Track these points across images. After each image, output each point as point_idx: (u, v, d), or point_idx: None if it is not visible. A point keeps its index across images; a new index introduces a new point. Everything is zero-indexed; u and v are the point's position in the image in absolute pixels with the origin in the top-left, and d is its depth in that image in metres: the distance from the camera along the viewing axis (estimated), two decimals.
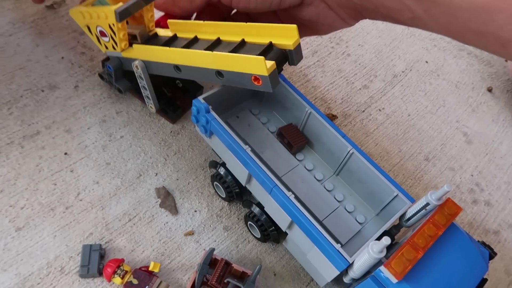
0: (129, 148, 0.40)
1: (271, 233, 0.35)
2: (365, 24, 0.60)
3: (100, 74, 0.42)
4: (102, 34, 0.36)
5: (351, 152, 0.34)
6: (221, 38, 0.33)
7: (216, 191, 0.39)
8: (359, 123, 0.49)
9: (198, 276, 0.32)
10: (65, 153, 0.39)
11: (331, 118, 0.48)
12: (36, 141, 0.39)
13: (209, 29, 0.34)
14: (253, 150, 0.32)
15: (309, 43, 0.55)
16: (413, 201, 0.32)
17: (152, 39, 0.37)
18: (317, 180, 0.36)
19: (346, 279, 0.29)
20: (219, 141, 0.33)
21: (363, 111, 0.50)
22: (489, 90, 0.58)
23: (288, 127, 0.38)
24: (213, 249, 0.33)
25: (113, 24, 0.34)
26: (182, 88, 0.43)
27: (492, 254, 0.29)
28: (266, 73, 0.28)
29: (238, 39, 0.32)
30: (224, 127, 0.32)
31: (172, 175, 0.40)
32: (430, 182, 0.46)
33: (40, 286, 0.32)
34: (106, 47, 0.37)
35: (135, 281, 0.32)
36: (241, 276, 0.33)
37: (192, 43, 0.34)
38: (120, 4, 0.33)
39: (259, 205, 0.35)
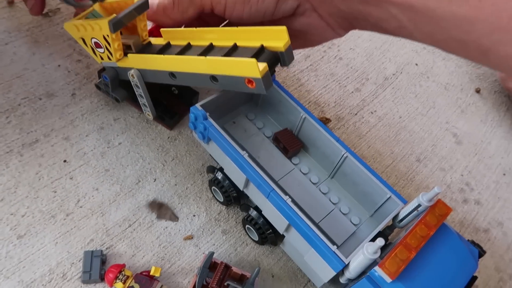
0: (127, 155, 0.41)
1: (268, 235, 0.36)
2: None
3: (96, 84, 0.43)
4: (97, 45, 0.36)
5: (345, 156, 0.35)
6: (213, 43, 0.34)
7: (214, 196, 0.40)
8: (352, 126, 0.50)
9: (199, 279, 0.32)
10: (64, 161, 0.39)
11: (325, 121, 0.49)
12: (35, 149, 0.39)
13: (202, 35, 0.34)
14: (250, 156, 0.33)
15: None
16: (405, 202, 0.33)
17: (146, 48, 0.37)
18: (313, 183, 0.37)
19: (342, 280, 0.31)
20: (217, 147, 0.34)
21: (356, 114, 0.52)
22: (477, 91, 0.60)
23: (284, 132, 0.39)
24: (212, 253, 0.34)
25: (108, 35, 0.34)
26: (178, 94, 0.44)
27: (481, 253, 0.30)
28: (259, 75, 0.28)
29: (230, 43, 0.32)
30: (222, 134, 0.33)
31: (171, 180, 0.40)
32: (422, 183, 0.47)
33: None
34: (102, 58, 0.38)
35: (136, 286, 0.33)
36: (240, 279, 0.34)
37: (185, 49, 0.34)
38: (114, 15, 0.33)
39: (257, 208, 0.36)
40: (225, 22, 0.39)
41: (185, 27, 0.39)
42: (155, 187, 0.40)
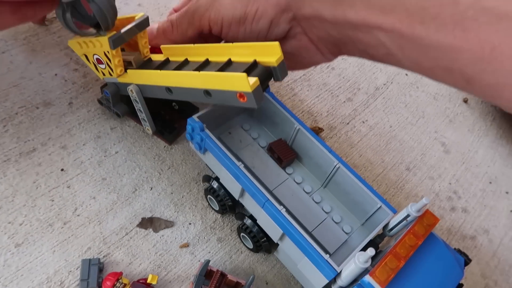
0: (124, 163, 0.42)
1: (263, 244, 0.37)
2: None
3: (99, 99, 0.44)
4: (99, 61, 0.37)
5: (337, 166, 0.36)
6: (209, 59, 0.34)
7: (209, 204, 0.41)
8: (344, 135, 0.51)
9: (195, 287, 0.33)
10: (62, 169, 0.40)
11: (318, 131, 0.50)
12: (32, 158, 0.40)
13: (199, 51, 0.35)
14: (245, 166, 0.34)
15: None
16: (395, 211, 0.35)
17: (146, 64, 0.38)
18: (306, 192, 0.39)
19: (334, 287, 0.32)
20: (213, 158, 0.35)
21: (348, 123, 0.53)
22: (465, 101, 0.61)
23: (278, 142, 0.40)
24: (208, 261, 0.34)
25: (108, 52, 0.35)
26: (179, 110, 0.44)
27: (467, 261, 0.31)
28: (249, 90, 0.29)
29: (225, 59, 0.33)
30: (218, 145, 0.34)
31: (167, 189, 0.41)
32: (411, 191, 0.49)
33: None
34: (104, 74, 0.38)
35: None
36: (236, 286, 0.35)
37: (182, 65, 0.35)
38: (114, 32, 0.34)
39: (251, 217, 0.37)
40: (222, 42, 0.41)
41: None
42: (151, 196, 0.40)
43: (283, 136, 0.41)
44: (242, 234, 0.38)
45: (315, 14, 0.32)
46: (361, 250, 0.31)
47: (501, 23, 0.23)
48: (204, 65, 0.34)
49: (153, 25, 0.41)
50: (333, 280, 0.31)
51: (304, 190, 0.39)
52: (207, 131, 0.35)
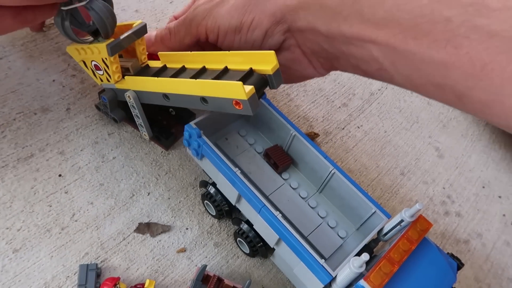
0: (121, 169, 0.42)
1: (259, 248, 0.37)
2: None
3: (96, 105, 0.44)
4: (97, 68, 0.37)
5: (332, 172, 0.37)
6: (206, 66, 0.35)
7: (206, 209, 0.41)
8: (339, 140, 0.52)
9: None
10: (59, 175, 0.40)
11: (313, 136, 0.50)
12: (30, 163, 0.40)
13: (196, 59, 0.36)
14: (242, 172, 0.35)
15: None
16: (389, 217, 0.35)
17: (144, 71, 0.38)
18: (302, 197, 0.39)
19: None
20: (210, 164, 0.36)
21: (343, 128, 0.54)
22: None
23: (274, 148, 0.40)
24: (205, 266, 0.35)
25: (106, 58, 0.36)
26: (176, 116, 0.45)
27: (460, 265, 0.32)
28: (245, 97, 0.29)
29: (221, 66, 0.34)
30: (215, 151, 0.35)
31: (164, 194, 0.42)
32: (405, 196, 0.49)
33: None
34: (101, 80, 0.39)
35: None
36: None
37: (180, 72, 0.36)
38: (112, 39, 0.35)
39: (248, 222, 0.37)
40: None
41: None
42: (149, 201, 0.41)
43: (279, 142, 0.41)
44: (238, 239, 0.39)
45: (309, 27, 0.32)
46: (356, 255, 0.31)
47: (492, 41, 0.23)
48: (201, 73, 0.34)
49: (151, 32, 0.41)
50: (329, 285, 0.31)
51: (300, 195, 0.39)
52: (204, 137, 0.35)
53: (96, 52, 0.35)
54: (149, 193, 0.41)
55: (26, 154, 0.41)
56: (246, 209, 0.35)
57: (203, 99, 0.33)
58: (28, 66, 0.47)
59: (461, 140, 0.58)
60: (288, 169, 0.41)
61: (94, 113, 0.45)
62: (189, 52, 0.36)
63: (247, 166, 0.39)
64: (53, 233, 0.37)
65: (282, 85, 0.55)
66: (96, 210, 0.39)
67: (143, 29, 0.36)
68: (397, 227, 0.33)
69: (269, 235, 0.34)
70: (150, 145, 0.44)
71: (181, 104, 0.35)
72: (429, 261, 0.30)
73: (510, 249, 0.48)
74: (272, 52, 0.32)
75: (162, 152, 0.44)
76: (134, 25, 0.36)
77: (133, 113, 0.40)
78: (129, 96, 0.38)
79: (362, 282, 0.28)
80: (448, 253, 0.33)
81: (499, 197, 0.53)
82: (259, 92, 0.32)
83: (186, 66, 0.36)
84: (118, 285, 0.34)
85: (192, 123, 0.36)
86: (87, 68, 0.39)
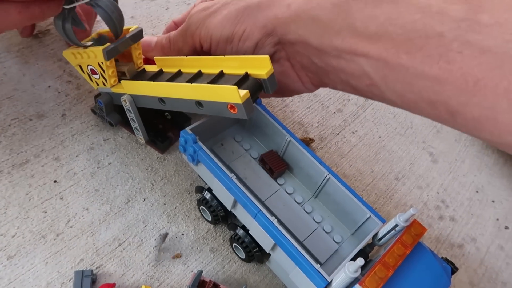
0: (117, 175, 0.42)
1: (255, 254, 0.37)
2: None
3: (92, 109, 0.44)
4: (93, 72, 0.38)
5: (327, 177, 0.37)
6: (202, 70, 0.35)
7: (202, 215, 0.41)
8: (334, 146, 0.52)
9: None
10: (55, 181, 0.40)
11: (309, 141, 0.51)
12: (25, 169, 0.40)
13: (191, 63, 0.36)
14: (238, 177, 0.35)
15: None
16: (384, 221, 0.35)
17: (140, 75, 0.39)
18: (297, 203, 0.39)
19: None
20: (206, 169, 0.36)
21: (338, 134, 0.54)
22: None
23: (270, 153, 0.40)
24: (201, 271, 0.35)
25: (102, 62, 0.36)
26: (171, 120, 0.45)
27: (454, 269, 0.32)
28: (240, 101, 0.30)
29: (217, 71, 0.34)
30: (211, 157, 0.35)
31: (160, 199, 0.42)
32: (400, 200, 0.50)
33: None
34: (97, 84, 0.39)
35: None
36: None
37: (176, 76, 0.36)
38: (108, 44, 0.35)
39: (244, 227, 0.37)
40: None
41: None
42: (144, 207, 0.41)
43: (275, 147, 0.41)
44: (234, 244, 0.39)
45: (300, 40, 0.33)
46: (351, 259, 0.31)
47: (484, 57, 0.23)
48: (196, 77, 0.35)
49: (152, 38, 0.42)
50: None
51: (295, 200, 0.39)
52: (199, 143, 0.35)
53: (92, 56, 0.35)
54: (144, 199, 0.41)
55: (21, 160, 0.40)
56: (242, 215, 0.35)
57: (199, 103, 0.33)
58: (24, 72, 0.47)
59: (454, 145, 0.58)
60: (284, 175, 0.41)
61: (90, 119, 0.45)
62: (185, 56, 0.37)
63: (243, 171, 0.40)
64: (48, 239, 0.37)
65: None
66: (92, 216, 0.39)
67: (139, 34, 0.37)
68: (392, 232, 0.33)
69: (265, 241, 0.34)
70: (145, 151, 0.44)
71: (176, 108, 0.35)
72: (424, 266, 0.30)
73: (503, 253, 0.49)
74: (267, 56, 0.32)
75: (157, 157, 0.44)
76: (130, 30, 0.36)
77: (129, 117, 0.40)
78: (125, 100, 0.38)
79: (357, 286, 0.28)
80: (442, 257, 0.33)
81: (493, 201, 0.54)
82: (254, 96, 0.32)
83: (182, 70, 0.36)
84: None
85: (187, 129, 0.36)
86: (83, 73, 0.39)
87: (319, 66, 0.33)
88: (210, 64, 0.35)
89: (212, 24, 0.35)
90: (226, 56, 0.34)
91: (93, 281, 0.35)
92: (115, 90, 0.38)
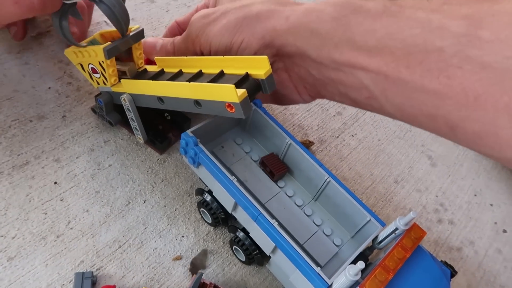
0: (117, 176, 0.42)
1: (255, 256, 0.37)
2: None
3: (92, 108, 0.44)
4: (94, 71, 0.38)
5: (328, 180, 0.37)
6: (203, 70, 0.36)
7: (202, 217, 0.41)
8: (334, 149, 0.53)
9: None
10: (55, 183, 0.40)
11: (308, 144, 0.51)
12: (25, 171, 0.40)
13: (192, 63, 0.37)
14: (238, 180, 0.35)
15: None
16: (384, 225, 0.36)
17: (141, 75, 0.39)
18: (297, 205, 0.39)
19: None
20: (207, 172, 0.36)
21: (337, 136, 0.54)
22: None
23: (270, 156, 0.40)
24: (201, 274, 0.35)
25: (103, 61, 0.36)
26: (171, 120, 0.45)
27: (453, 273, 0.32)
28: (237, 100, 0.30)
29: (217, 70, 0.34)
30: (212, 159, 0.35)
31: (160, 202, 0.42)
32: (399, 203, 0.50)
33: None
34: (98, 83, 0.39)
35: None
36: None
37: (176, 76, 0.36)
38: (109, 42, 0.35)
39: (244, 230, 0.37)
40: None
41: None
42: (144, 209, 0.41)
43: (275, 150, 0.42)
44: (234, 246, 0.39)
45: (298, 52, 0.33)
46: (352, 262, 0.31)
47: (485, 72, 0.23)
48: (197, 76, 0.35)
49: (157, 40, 0.42)
50: None
51: (295, 203, 0.39)
52: (200, 145, 0.35)
53: (93, 55, 0.36)
54: (145, 201, 0.41)
55: (22, 161, 0.40)
56: (242, 217, 0.36)
57: (197, 102, 0.33)
58: (24, 74, 0.47)
59: (453, 148, 0.59)
60: (284, 177, 0.41)
61: (90, 120, 0.45)
62: (186, 57, 0.37)
63: (243, 174, 0.40)
64: (48, 241, 0.37)
65: None
66: (92, 218, 0.39)
67: (140, 34, 0.37)
68: (392, 235, 0.33)
69: (265, 243, 0.34)
70: (146, 153, 0.45)
71: (175, 108, 0.35)
72: (423, 269, 0.30)
73: (501, 257, 0.49)
74: (265, 57, 0.32)
75: (158, 159, 0.44)
76: (132, 29, 0.37)
77: (128, 116, 0.41)
78: (124, 99, 0.38)
79: None
80: (441, 261, 0.34)
81: (491, 205, 0.54)
82: (252, 96, 0.32)
83: (183, 70, 0.37)
84: None
85: (188, 131, 0.36)
86: (84, 72, 0.39)
87: (317, 78, 0.33)
88: (210, 64, 0.35)
89: (212, 33, 0.36)
90: (226, 56, 0.34)
91: (93, 283, 0.35)
92: (115, 89, 0.39)
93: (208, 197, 0.39)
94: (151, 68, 0.40)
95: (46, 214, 0.38)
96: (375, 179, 0.51)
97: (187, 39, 0.38)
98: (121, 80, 0.38)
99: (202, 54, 0.38)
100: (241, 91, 0.30)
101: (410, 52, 0.26)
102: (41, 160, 0.41)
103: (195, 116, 0.47)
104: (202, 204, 0.39)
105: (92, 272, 0.35)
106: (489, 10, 0.24)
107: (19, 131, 0.42)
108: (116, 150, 0.44)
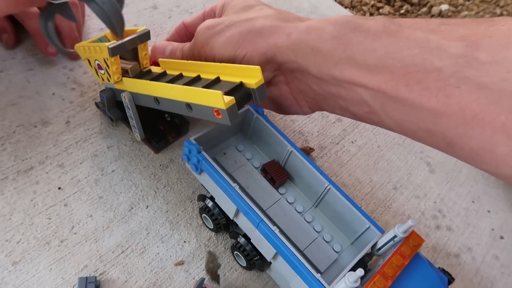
0: (120, 182, 0.43)
1: (256, 262, 0.38)
2: None
3: (96, 103, 0.46)
4: (99, 67, 0.39)
5: (328, 187, 0.38)
6: (201, 75, 0.37)
7: (204, 222, 0.42)
8: (334, 155, 0.53)
9: None
10: (59, 188, 0.41)
11: (309, 150, 0.52)
12: (30, 176, 0.41)
13: (192, 68, 0.38)
14: (240, 187, 0.35)
15: None
16: (383, 232, 0.36)
17: (143, 75, 0.40)
18: (298, 212, 0.40)
19: None
20: (209, 178, 0.36)
21: (337, 143, 0.55)
22: None
23: (271, 163, 0.41)
24: (203, 279, 0.35)
25: (107, 59, 0.37)
26: (171, 122, 0.46)
27: (450, 280, 0.33)
28: (224, 107, 0.30)
29: (214, 77, 0.35)
30: (214, 166, 0.35)
31: (162, 207, 0.42)
32: (398, 210, 0.51)
33: None
34: (103, 79, 0.41)
35: None
36: None
37: (176, 79, 0.37)
38: (114, 41, 0.37)
39: (245, 236, 0.38)
40: None
41: None
42: (147, 214, 0.41)
43: (276, 157, 0.42)
44: (235, 252, 0.39)
45: (299, 68, 0.34)
46: (351, 269, 0.32)
47: (482, 92, 0.24)
48: (195, 81, 0.36)
49: (167, 44, 0.43)
50: None
51: (296, 209, 0.40)
52: (203, 153, 0.36)
53: (99, 51, 0.37)
54: (147, 206, 0.42)
55: (26, 166, 0.41)
56: (244, 223, 0.36)
57: (188, 106, 0.34)
58: (29, 79, 0.47)
59: None
60: (285, 184, 0.42)
61: (94, 126, 0.46)
62: (187, 61, 0.38)
63: (245, 181, 0.40)
64: (52, 246, 0.37)
65: None
66: (95, 223, 0.39)
67: (146, 35, 0.38)
68: (391, 242, 0.34)
69: (266, 249, 0.35)
70: (148, 159, 0.45)
71: (170, 109, 0.36)
72: (421, 276, 0.31)
73: (499, 263, 0.50)
74: (258, 67, 0.33)
75: (160, 165, 0.45)
76: (138, 30, 0.38)
77: (127, 114, 0.42)
78: (124, 97, 0.39)
79: None
80: (439, 267, 0.34)
81: (488, 211, 0.55)
82: (240, 104, 0.33)
83: (183, 73, 0.38)
84: None
85: (192, 139, 0.37)
86: (91, 67, 0.40)
87: (318, 93, 0.34)
88: (209, 70, 0.37)
89: (216, 45, 0.37)
90: (224, 64, 0.35)
91: None
92: (117, 86, 0.40)
93: (210, 203, 0.39)
94: (155, 69, 0.41)
95: (50, 219, 0.39)
96: (375, 185, 0.52)
97: (193, 48, 0.40)
98: (123, 78, 0.40)
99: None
100: (229, 98, 0.31)
101: (409, 71, 0.27)
102: (45, 165, 0.42)
103: (194, 118, 0.48)
104: (204, 210, 0.40)
105: (96, 277, 0.36)
106: (486, 32, 0.25)
107: (24, 136, 0.43)
108: (119, 155, 0.45)
